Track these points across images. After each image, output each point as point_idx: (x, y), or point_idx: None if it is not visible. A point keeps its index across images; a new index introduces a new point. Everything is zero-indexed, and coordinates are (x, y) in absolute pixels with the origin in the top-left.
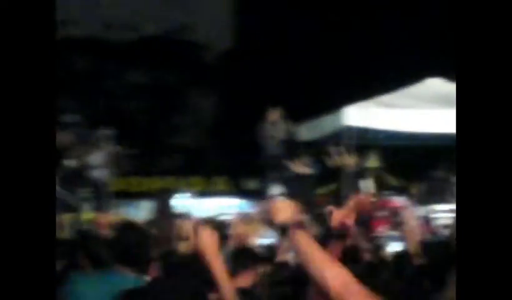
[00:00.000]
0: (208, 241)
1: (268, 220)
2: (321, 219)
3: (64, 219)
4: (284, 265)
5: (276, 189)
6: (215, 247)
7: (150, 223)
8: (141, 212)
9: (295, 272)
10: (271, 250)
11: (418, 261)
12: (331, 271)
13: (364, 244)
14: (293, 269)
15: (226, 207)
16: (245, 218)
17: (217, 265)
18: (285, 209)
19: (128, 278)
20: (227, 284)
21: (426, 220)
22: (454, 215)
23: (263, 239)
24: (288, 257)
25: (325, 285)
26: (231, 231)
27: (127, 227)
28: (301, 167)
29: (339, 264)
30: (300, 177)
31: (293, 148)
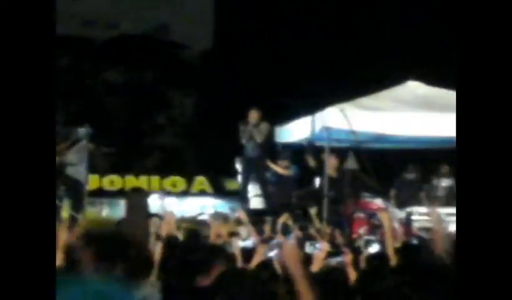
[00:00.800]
0: (291, 255)
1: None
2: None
3: None
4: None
5: (255, 190)
6: (298, 260)
7: (123, 222)
8: (117, 210)
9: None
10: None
11: (395, 263)
12: None
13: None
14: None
15: (205, 207)
16: (221, 218)
17: (300, 277)
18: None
19: (105, 283)
20: (310, 296)
21: (404, 223)
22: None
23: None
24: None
25: None
26: (208, 231)
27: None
28: (281, 168)
29: None
30: (279, 178)
31: (273, 149)
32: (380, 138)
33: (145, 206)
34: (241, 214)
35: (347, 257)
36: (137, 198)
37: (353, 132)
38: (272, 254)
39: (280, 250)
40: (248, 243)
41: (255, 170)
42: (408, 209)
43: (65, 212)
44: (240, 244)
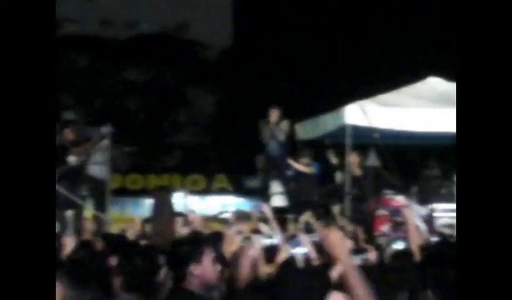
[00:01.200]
0: (338, 243)
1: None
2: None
3: (67, 216)
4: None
5: (276, 188)
6: (345, 248)
7: (149, 220)
8: (140, 209)
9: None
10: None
11: (419, 260)
12: None
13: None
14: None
15: (227, 205)
16: (242, 216)
17: (349, 264)
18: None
19: None
20: (359, 284)
21: (427, 220)
22: (455, 214)
23: (264, 238)
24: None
25: None
26: (230, 228)
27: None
28: (302, 166)
29: None
30: (301, 176)
31: (294, 147)
32: (401, 134)
33: (170, 204)
34: (266, 210)
35: (371, 255)
36: (162, 196)
37: (374, 129)
38: (295, 251)
39: (324, 237)
40: (272, 241)
41: (276, 168)
42: (431, 206)
43: (89, 211)
44: (264, 241)
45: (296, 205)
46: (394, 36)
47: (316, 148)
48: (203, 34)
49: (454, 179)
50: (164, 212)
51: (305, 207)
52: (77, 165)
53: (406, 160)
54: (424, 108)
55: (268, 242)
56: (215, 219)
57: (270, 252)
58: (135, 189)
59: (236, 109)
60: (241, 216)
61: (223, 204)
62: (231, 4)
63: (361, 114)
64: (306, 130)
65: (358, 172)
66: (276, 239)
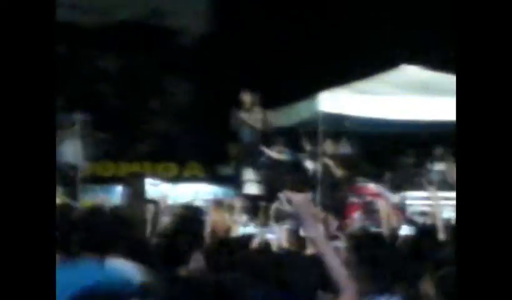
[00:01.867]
0: (303, 203)
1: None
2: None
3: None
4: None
5: (250, 175)
6: (311, 209)
7: (121, 208)
8: (113, 197)
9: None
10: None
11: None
12: None
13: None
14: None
15: (200, 193)
16: (219, 205)
17: (315, 227)
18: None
19: (96, 266)
20: (329, 250)
21: (400, 207)
22: (428, 202)
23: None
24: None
25: None
26: (207, 217)
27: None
28: (276, 153)
29: None
30: (275, 163)
31: (268, 134)
32: (375, 122)
33: (143, 191)
34: (238, 201)
35: (341, 243)
36: (135, 183)
37: (347, 117)
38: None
39: (291, 204)
40: (247, 229)
41: (249, 155)
42: (403, 194)
43: (60, 199)
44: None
45: (269, 192)
46: (370, 23)
47: (290, 135)
48: (178, 21)
49: (428, 166)
50: (136, 200)
51: (276, 195)
52: None
53: (379, 148)
54: (398, 96)
55: (242, 229)
56: (187, 206)
57: (245, 239)
58: (106, 176)
59: (210, 96)
60: (218, 205)
61: (195, 192)
62: None
63: (334, 101)
64: (281, 117)
65: (330, 159)
66: (250, 226)
